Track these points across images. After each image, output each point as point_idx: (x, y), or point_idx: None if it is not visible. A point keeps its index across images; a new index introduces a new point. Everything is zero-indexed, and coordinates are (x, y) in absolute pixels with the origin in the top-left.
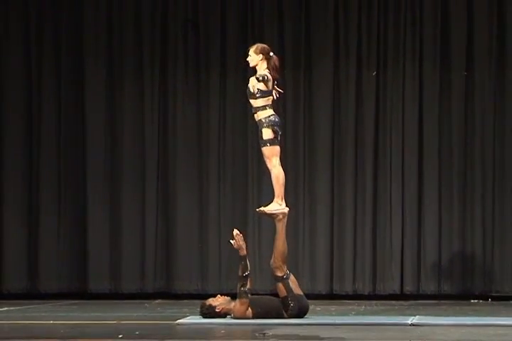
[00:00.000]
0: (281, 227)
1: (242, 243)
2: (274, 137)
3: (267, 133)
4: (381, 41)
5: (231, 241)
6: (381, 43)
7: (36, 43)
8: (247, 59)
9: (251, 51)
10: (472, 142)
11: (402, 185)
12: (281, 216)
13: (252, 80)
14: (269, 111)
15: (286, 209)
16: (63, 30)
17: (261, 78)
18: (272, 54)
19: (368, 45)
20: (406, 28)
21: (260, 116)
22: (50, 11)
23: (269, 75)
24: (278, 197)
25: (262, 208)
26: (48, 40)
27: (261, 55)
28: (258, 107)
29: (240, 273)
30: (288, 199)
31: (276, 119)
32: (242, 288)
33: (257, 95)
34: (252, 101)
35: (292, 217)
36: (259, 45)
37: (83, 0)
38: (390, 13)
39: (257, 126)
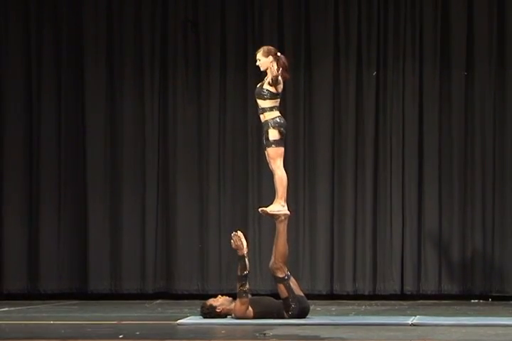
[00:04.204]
0: (282, 228)
1: (240, 243)
2: (280, 138)
3: (274, 134)
4: (381, 41)
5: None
6: (381, 43)
7: (36, 43)
8: (257, 64)
9: (259, 55)
10: (472, 142)
11: (403, 185)
12: (283, 217)
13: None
14: (276, 113)
15: (288, 212)
16: (63, 30)
17: (274, 80)
18: (279, 54)
19: (368, 45)
20: (406, 28)
21: (267, 117)
22: (50, 10)
23: (280, 78)
24: (281, 198)
25: (264, 208)
26: (48, 40)
27: (270, 57)
28: (265, 108)
29: (239, 273)
30: (288, 199)
31: (282, 121)
32: (241, 288)
33: (266, 96)
34: (259, 101)
35: (292, 217)
36: (265, 48)
37: (83, 0)
38: (390, 12)
39: (262, 127)
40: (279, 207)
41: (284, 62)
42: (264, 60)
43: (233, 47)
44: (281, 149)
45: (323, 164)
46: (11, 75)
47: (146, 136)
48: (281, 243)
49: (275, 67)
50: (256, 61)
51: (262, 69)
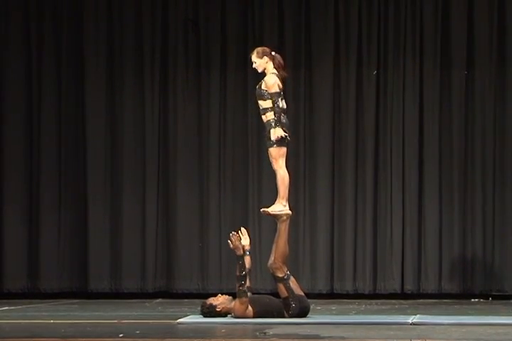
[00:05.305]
0: (283, 228)
1: (238, 243)
2: (282, 138)
3: (275, 134)
4: (381, 40)
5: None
6: (381, 42)
7: (36, 43)
8: (253, 66)
9: (253, 57)
10: (473, 141)
11: (403, 185)
12: (285, 217)
13: (267, 80)
14: None
15: (290, 212)
16: (63, 30)
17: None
18: (273, 53)
19: (369, 44)
20: (406, 27)
21: (269, 117)
22: (50, 10)
23: (282, 134)
24: (282, 198)
25: (265, 209)
26: (48, 40)
27: (265, 58)
28: (267, 108)
29: (237, 273)
30: (289, 199)
31: (284, 120)
32: (240, 288)
33: (266, 96)
34: (260, 102)
35: (293, 217)
36: (259, 49)
37: (83, 0)
38: (391, 12)
39: (262, 127)
40: (280, 207)
41: (279, 61)
42: (260, 62)
43: (233, 47)
44: (284, 149)
45: (323, 164)
46: (11, 75)
47: (146, 136)
48: (282, 242)
49: (271, 66)
50: (252, 64)
51: (259, 70)
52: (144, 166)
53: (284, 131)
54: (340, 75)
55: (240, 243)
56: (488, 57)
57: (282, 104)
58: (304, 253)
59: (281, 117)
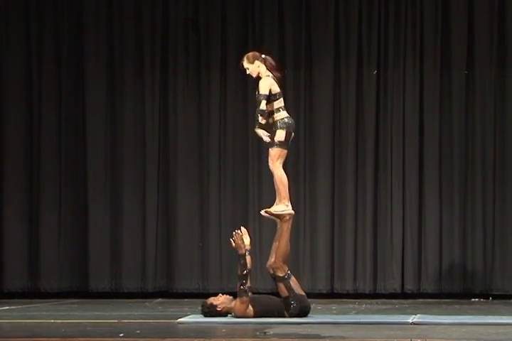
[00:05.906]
0: (286, 228)
1: (240, 242)
2: (286, 140)
3: (280, 136)
4: (382, 40)
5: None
6: (382, 42)
7: (36, 43)
8: (247, 73)
9: (245, 64)
10: (473, 141)
11: (403, 184)
12: (287, 217)
13: (260, 83)
14: (284, 113)
15: (293, 211)
16: (64, 30)
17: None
18: (263, 56)
19: (369, 45)
20: (406, 27)
21: (276, 118)
22: (50, 10)
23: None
24: (284, 198)
25: (267, 209)
26: (48, 40)
27: (256, 62)
28: (272, 111)
29: (239, 272)
30: (290, 198)
31: (290, 122)
32: (241, 287)
33: (270, 98)
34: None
35: (293, 216)
36: (249, 55)
37: (83, 0)
38: (391, 12)
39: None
40: (283, 207)
41: (271, 63)
42: (252, 67)
43: (233, 47)
44: (284, 151)
45: (323, 164)
46: (11, 75)
47: (147, 135)
48: (284, 242)
49: (264, 69)
50: (245, 71)
51: (254, 76)
52: (144, 166)
53: (288, 133)
54: (341, 75)
55: (243, 242)
56: (488, 57)
57: (277, 105)
58: (304, 253)
59: (260, 118)
